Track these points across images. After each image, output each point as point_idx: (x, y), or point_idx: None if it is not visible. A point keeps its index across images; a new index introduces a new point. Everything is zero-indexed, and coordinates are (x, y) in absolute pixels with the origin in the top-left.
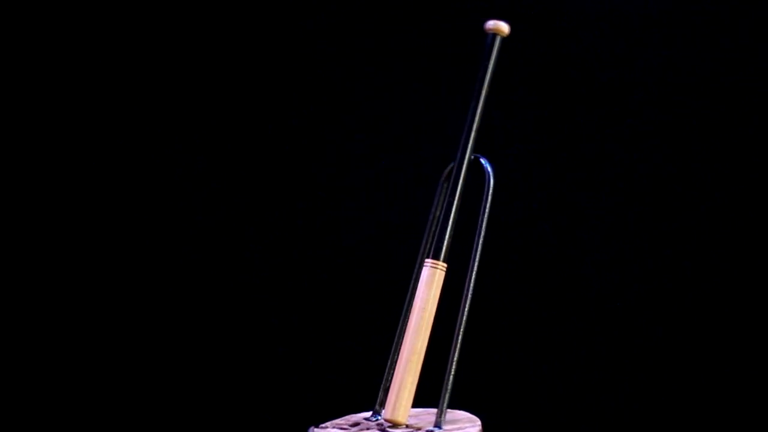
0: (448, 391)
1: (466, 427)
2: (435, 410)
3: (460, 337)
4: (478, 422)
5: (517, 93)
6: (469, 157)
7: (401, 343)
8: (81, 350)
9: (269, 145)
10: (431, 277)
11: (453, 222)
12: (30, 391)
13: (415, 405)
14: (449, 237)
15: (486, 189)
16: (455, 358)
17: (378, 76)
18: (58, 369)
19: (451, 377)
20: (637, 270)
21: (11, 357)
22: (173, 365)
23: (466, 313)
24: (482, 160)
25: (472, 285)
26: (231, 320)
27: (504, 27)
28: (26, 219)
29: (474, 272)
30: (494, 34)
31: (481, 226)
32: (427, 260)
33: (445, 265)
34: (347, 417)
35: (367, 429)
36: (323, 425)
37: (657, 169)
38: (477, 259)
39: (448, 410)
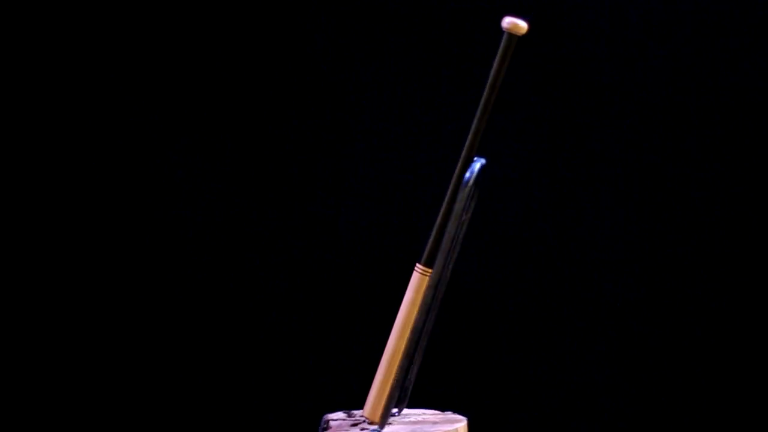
0: (392, 392)
1: (424, 427)
2: (421, 410)
3: (406, 343)
4: (454, 425)
5: (516, 93)
6: (469, 162)
7: (419, 344)
8: (82, 350)
9: (269, 145)
10: (417, 283)
11: (445, 227)
12: (30, 391)
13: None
14: (439, 242)
15: (463, 191)
16: (404, 364)
17: (379, 76)
18: (59, 369)
19: (392, 380)
20: (637, 270)
21: (11, 357)
22: (173, 365)
23: (419, 316)
24: (475, 163)
25: (435, 292)
26: (231, 320)
27: (522, 25)
28: (26, 220)
29: (439, 280)
30: (510, 33)
31: (453, 229)
32: (418, 265)
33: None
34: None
35: (348, 422)
36: (353, 412)
37: (657, 169)
38: (452, 265)
39: (438, 411)
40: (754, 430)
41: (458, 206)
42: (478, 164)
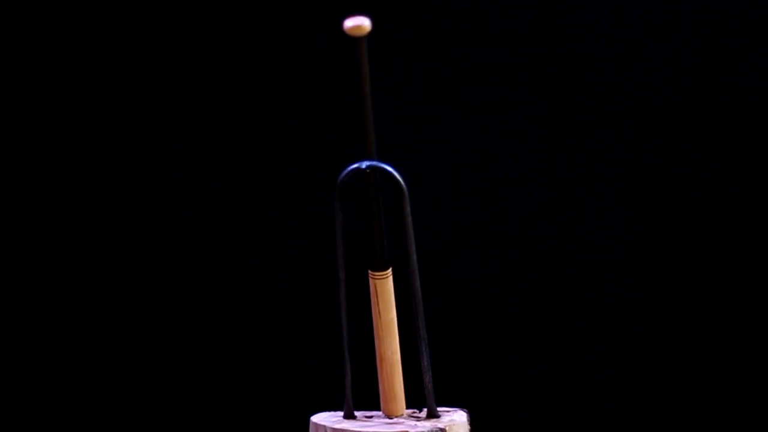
0: (348, 386)
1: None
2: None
3: (345, 343)
4: (428, 426)
5: (516, 93)
6: (367, 167)
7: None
8: (81, 349)
9: (269, 145)
10: (376, 288)
11: (382, 228)
12: (30, 391)
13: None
14: (380, 244)
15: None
16: (347, 361)
17: (379, 76)
18: (58, 369)
19: (348, 381)
20: (637, 270)
21: (11, 357)
22: (173, 365)
23: (344, 316)
24: (353, 166)
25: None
26: (231, 320)
27: (365, 24)
28: (25, 220)
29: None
30: (355, 36)
31: (340, 231)
32: (371, 272)
33: (386, 272)
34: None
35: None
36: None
37: (657, 169)
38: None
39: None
40: (754, 430)
41: (335, 205)
42: (357, 167)
